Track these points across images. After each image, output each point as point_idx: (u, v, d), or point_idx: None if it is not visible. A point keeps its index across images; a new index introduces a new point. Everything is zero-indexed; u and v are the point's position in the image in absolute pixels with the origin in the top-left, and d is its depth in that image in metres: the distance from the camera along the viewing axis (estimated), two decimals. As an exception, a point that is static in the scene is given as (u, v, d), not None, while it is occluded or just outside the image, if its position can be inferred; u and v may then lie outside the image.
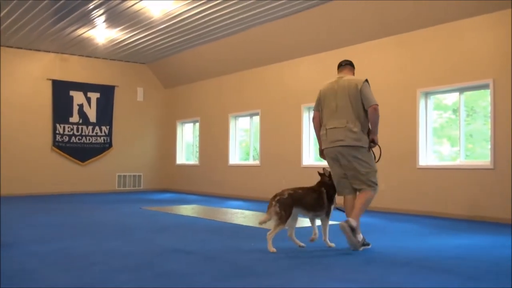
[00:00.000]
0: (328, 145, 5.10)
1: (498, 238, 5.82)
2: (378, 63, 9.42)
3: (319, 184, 5.06)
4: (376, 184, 5.03)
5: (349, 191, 5.08)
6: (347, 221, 4.77)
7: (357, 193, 5.06)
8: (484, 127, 8.13)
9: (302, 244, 5.02)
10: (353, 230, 4.77)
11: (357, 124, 4.98)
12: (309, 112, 10.85)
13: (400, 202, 8.84)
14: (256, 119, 12.43)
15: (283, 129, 11.33)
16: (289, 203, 4.73)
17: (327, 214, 4.98)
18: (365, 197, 4.95)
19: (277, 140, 11.45)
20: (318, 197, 4.91)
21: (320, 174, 5.17)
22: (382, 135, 9.14)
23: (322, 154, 5.28)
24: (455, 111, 8.55)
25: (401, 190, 8.83)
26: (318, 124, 5.27)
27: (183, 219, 7.75)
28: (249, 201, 11.27)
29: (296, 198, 4.78)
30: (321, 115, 5.24)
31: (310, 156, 10.84)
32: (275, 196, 4.79)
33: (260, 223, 4.80)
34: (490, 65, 7.74)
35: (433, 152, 8.74)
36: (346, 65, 5.40)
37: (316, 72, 10.60)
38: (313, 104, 10.54)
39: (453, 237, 5.87)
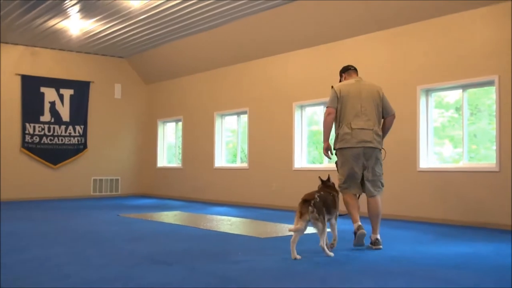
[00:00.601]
0: (354, 145, 5.64)
1: (503, 245, 5.89)
2: (372, 58, 9.49)
3: (328, 187, 5.37)
4: (383, 186, 5.82)
5: (357, 192, 5.77)
6: (377, 241, 5.57)
7: (369, 197, 5.73)
8: (488, 126, 8.20)
9: (298, 256, 4.96)
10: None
11: (380, 128, 5.79)
12: (301, 110, 10.90)
13: (398, 208, 8.90)
14: (244, 118, 12.46)
15: (274, 129, 11.37)
16: (321, 206, 4.95)
17: (336, 218, 5.35)
18: (380, 204, 5.74)
19: (266, 141, 11.48)
20: (333, 200, 5.23)
21: (323, 180, 5.45)
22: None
23: (327, 151, 5.79)
24: (458, 109, 8.63)
25: (399, 194, 8.89)
26: (333, 121, 5.76)
27: (164, 226, 7.74)
28: (236, 207, 11.28)
29: (323, 201, 5.02)
30: (338, 114, 5.75)
31: (303, 158, 10.89)
32: (307, 200, 4.92)
33: (292, 230, 4.92)
34: (495, 60, 7.80)
35: (434, 154, 8.82)
36: (354, 69, 6.16)
37: (307, 67, 10.65)
38: (305, 102, 10.70)
39: (455, 245, 5.93)
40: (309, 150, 11.10)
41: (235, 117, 12.82)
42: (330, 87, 6.05)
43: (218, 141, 12.99)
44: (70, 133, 13.98)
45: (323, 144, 5.85)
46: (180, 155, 14.40)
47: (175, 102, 14.54)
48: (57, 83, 13.85)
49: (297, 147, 10.88)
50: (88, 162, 14.30)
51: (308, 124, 11.10)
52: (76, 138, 14.07)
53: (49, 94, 13.74)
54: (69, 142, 13.96)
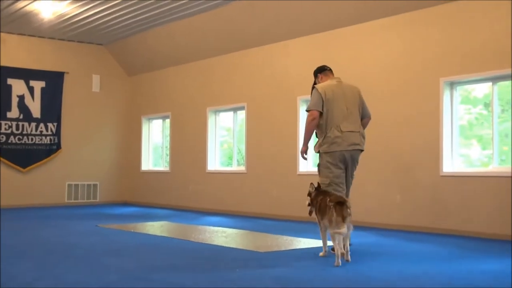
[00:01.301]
0: (346, 148, 6.30)
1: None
2: (387, 47, 9.48)
3: (324, 193, 5.96)
4: None
5: (344, 192, 6.32)
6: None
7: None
8: (522, 125, 8.19)
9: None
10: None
11: (363, 130, 6.53)
12: (307, 106, 10.85)
13: (417, 218, 8.88)
14: (241, 114, 12.43)
15: (275, 127, 11.35)
16: None
17: None
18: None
19: (267, 141, 11.47)
20: None
21: (316, 187, 6.10)
22: (396, 135, 9.23)
23: (305, 153, 6.51)
24: (487, 105, 8.61)
25: (419, 203, 8.86)
26: (316, 126, 6.39)
27: (149, 239, 7.72)
28: (232, 217, 11.26)
29: None
30: (325, 116, 6.32)
31: (309, 161, 10.83)
32: (343, 203, 5.51)
33: (339, 233, 5.42)
34: (529, 49, 7.80)
35: (459, 156, 8.80)
36: (330, 70, 6.80)
37: (313, 57, 10.59)
38: (307, 97, 10.63)
39: (482, 261, 5.91)
40: (314, 154, 11.01)
41: (231, 113, 12.80)
42: (312, 88, 6.61)
43: (211, 141, 12.98)
44: (41, 131, 13.95)
45: (302, 147, 6.52)
46: (168, 157, 14.38)
47: (162, 96, 14.52)
48: (27, 74, 13.82)
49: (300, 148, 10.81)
50: (62, 165, 14.27)
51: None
52: (48, 137, 14.04)
53: (17, 86, 13.71)
54: (40, 142, 13.93)
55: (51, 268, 5.37)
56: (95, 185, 14.83)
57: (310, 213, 6.13)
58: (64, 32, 13.58)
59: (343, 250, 5.56)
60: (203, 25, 12.03)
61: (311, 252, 6.26)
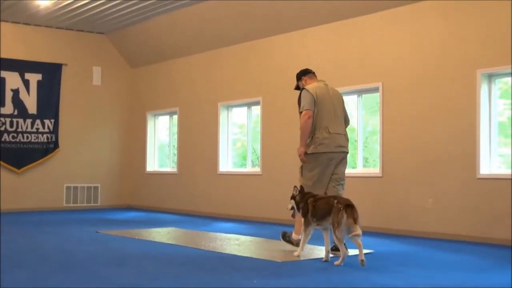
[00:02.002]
0: (333, 150, 7.03)
1: None
2: (416, 35, 9.42)
3: (310, 196, 6.67)
4: None
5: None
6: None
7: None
8: None
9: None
10: None
11: (347, 133, 7.33)
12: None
13: (450, 224, 8.82)
14: (256, 110, 12.39)
15: (294, 124, 11.27)
16: None
17: None
18: None
19: (285, 140, 11.41)
20: None
21: (300, 190, 6.83)
22: (427, 133, 9.13)
23: (304, 155, 7.04)
24: (530, 99, 8.52)
25: (452, 208, 8.80)
26: (311, 125, 7.04)
27: (154, 247, 7.70)
28: (246, 223, 11.22)
29: None
30: (314, 117, 7.03)
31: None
32: (352, 205, 6.11)
33: (358, 235, 5.98)
34: None
35: (498, 156, 8.71)
36: (314, 73, 7.55)
37: (335, 46, 10.60)
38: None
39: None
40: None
41: (244, 109, 12.77)
42: (301, 89, 7.29)
43: (223, 140, 12.95)
44: (37, 128, 14.00)
45: (300, 149, 7.08)
46: (175, 157, 14.37)
47: (168, 90, 14.52)
48: (22, 67, 13.87)
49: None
50: (60, 166, 14.31)
51: (337, 118, 11.00)
52: (45, 135, 14.08)
53: (12, 80, 13.75)
54: (36, 140, 13.98)
55: (46, 278, 5.35)
56: (95, 188, 14.85)
57: (293, 216, 6.94)
58: (62, 20, 13.61)
59: (346, 251, 6.20)
60: (214, 12, 12.01)
61: (332, 262, 6.19)
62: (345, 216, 5.97)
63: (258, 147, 12.22)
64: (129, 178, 15.41)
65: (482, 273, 5.91)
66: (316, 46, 10.99)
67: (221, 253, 7.13)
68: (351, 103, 10.91)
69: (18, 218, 11.86)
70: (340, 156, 7.10)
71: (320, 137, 6.98)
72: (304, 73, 7.58)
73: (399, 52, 9.68)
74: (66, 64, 14.46)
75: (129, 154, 15.47)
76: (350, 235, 5.97)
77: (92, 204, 14.77)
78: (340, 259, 6.07)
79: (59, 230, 9.77)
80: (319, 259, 6.51)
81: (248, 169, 12.52)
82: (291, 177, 11.17)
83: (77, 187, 14.59)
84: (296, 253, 6.66)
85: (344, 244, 6.18)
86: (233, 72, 12.68)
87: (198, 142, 13.51)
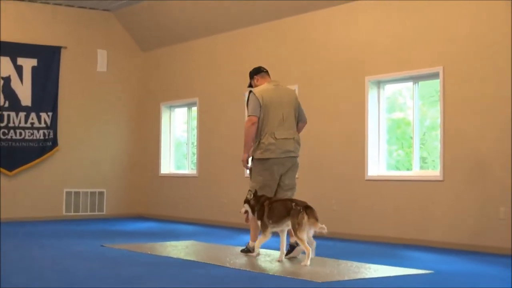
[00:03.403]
0: (279, 155, 8.04)
1: None
2: (483, 9, 9.29)
3: (270, 197, 7.95)
4: None
5: None
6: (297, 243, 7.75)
7: None
8: None
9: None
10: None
11: (298, 135, 8.34)
12: (377, 89, 10.83)
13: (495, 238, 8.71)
14: (291, 100, 12.32)
15: (336, 117, 11.24)
16: None
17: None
18: None
19: (325, 136, 11.36)
20: None
21: (255, 194, 7.95)
22: (496, 128, 8.98)
23: (247, 162, 8.27)
24: None
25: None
26: (255, 131, 8.09)
27: (170, 264, 7.69)
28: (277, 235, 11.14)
29: None
30: (260, 122, 8.06)
31: (381, 162, 10.80)
32: (309, 206, 7.41)
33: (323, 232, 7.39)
34: None
35: None
36: (267, 72, 8.60)
37: (386, 23, 10.55)
38: (384, 77, 10.59)
39: None
40: (390, 150, 10.99)
41: (277, 99, 12.71)
42: (249, 92, 8.28)
43: (251, 136, 12.88)
44: (32, 123, 14.08)
45: (243, 155, 8.25)
46: (195, 156, 14.39)
47: (186, 77, 14.55)
48: (13, 50, 13.95)
49: (371, 144, 10.79)
50: (59, 167, 14.39)
51: (389, 110, 11.01)
52: (41, 132, 14.17)
53: (1, 65, 13.84)
54: (31, 137, 14.07)
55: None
56: (100, 193, 14.91)
57: (247, 220, 8.13)
58: (61, -5, 13.68)
59: (309, 248, 7.34)
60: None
61: (384, 283, 6.12)
62: (305, 217, 7.26)
63: (293, 144, 12.13)
64: (140, 182, 15.45)
65: None
66: (365, 23, 10.93)
67: (250, 271, 7.09)
68: (404, 91, 10.84)
69: (8, 229, 11.87)
70: (289, 162, 8.12)
71: (266, 143, 8.02)
72: (256, 72, 8.60)
73: (464, 29, 9.57)
74: (65, 47, 14.52)
75: (140, 154, 15.50)
76: (317, 231, 7.34)
77: (96, 213, 14.82)
78: (306, 259, 7.32)
79: (56, 243, 9.80)
80: (367, 279, 6.44)
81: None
82: (334, 180, 11.13)
83: (78, 192, 14.65)
84: (278, 258, 7.75)
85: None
86: (263, 55, 12.61)
87: (221, 139, 13.47)
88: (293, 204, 7.43)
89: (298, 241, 7.34)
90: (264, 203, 7.74)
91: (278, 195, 8.09)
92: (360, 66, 10.90)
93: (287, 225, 7.52)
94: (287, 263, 7.82)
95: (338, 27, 11.33)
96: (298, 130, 8.44)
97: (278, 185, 8.16)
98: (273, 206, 7.64)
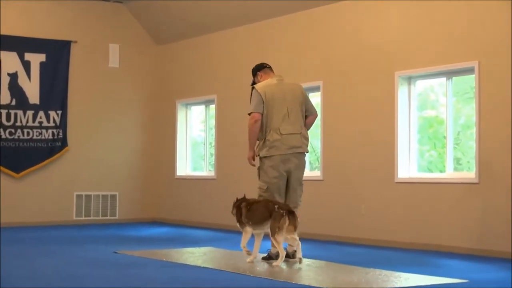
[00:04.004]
0: (285, 151, 8.22)
1: None
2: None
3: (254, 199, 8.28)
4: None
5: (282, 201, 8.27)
6: (295, 252, 8.10)
7: (292, 207, 8.13)
8: None
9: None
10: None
11: (306, 131, 8.53)
12: (408, 85, 10.81)
13: None
14: (315, 97, 12.31)
15: (360, 116, 11.21)
16: None
17: None
18: (298, 218, 7.97)
19: (350, 134, 11.36)
20: None
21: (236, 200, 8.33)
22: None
23: (253, 159, 8.52)
24: None
25: None
26: (259, 128, 8.32)
27: (187, 272, 7.71)
28: (305, 241, 11.13)
29: None
30: (264, 118, 8.29)
31: (411, 162, 10.80)
32: (292, 212, 7.79)
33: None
34: None
35: None
36: (270, 67, 8.79)
37: (416, 17, 10.54)
38: (415, 72, 10.55)
39: None
40: (421, 150, 10.96)
41: (300, 96, 12.71)
42: (251, 88, 8.54)
43: (273, 136, 12.90)
44: (40, 122, 14.14)
45: (248, 153, 8.51)
46: (213, 157, 14.42)
47: (204, 72, 14.57)
48: (21, 45, 14.01)
49: (402, 144, 10.76)
50: (69, 169, 14.44)
51: (420, 107, 10.98)
52: (50, 131, 14.23)
53: (8, 61, 13.90)
54: (39, 137, 14.13)
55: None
56: (113, 197, 14.97)
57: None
58: (70, -15, 13.76)
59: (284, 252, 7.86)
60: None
61: None
62: (287, 222, 7.62)
63: (319, 144, 12.19)
64: (155, 185, 15.50)
65: None
66: (395, 15, 10.91)
67: (274, 280, 7.08)
68: (437, 87, 10.80)
69: (15, 235, 11.93)
70: (296, 158, 8.32)
71: (271, 140, 8.25)
72: (259, 68, 8.81)
73: (501, 22, 9.53)
74: (75, 42, 14.59)
75: (154, 155, 15.56)
76: (289, 241, 7.88)
77: (108, 218, 14.87)
78: (279, 260, 7.83)
79: (66, 250, 9.83)
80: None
81: (311, 172, 12.40)
82: (361, 182, 11.13)
83: (90, 196, 14.71)
84: (249, 259, 8.14)
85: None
86: (287, 49, 12.64)
87: (241, 138, 13.45)
88: (276, 206, 7.74)
89: (275, 243, 7.76)
90: (241, 205, 8.15)
91: (287, 194, 8.40)
92: (390, 60, 10.88)
93: (267, 227, 7.82)
94: (311, 271, 7.85)
95: (365, 18, 11.32)
96: (308, 124, 8.66)
97: (287, 182, 8.36)
98: (253, 208, 7.99)
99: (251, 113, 8.35)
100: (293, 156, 8.28)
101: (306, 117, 8.57)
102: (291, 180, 8.36)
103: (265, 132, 8.31)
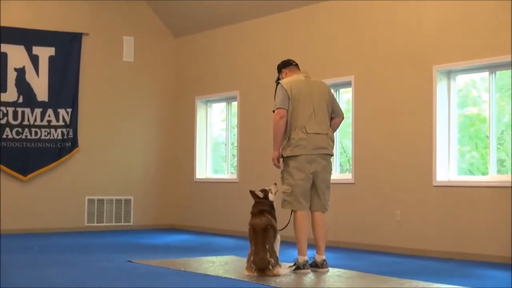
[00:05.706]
0: (310, 152, 8.25)
1: None
2: None
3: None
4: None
5: (305, 206, 8.39)
6: (325, 262, 8.52)
7: (317, 212, 8.54)
8: None
9: None
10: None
11: (332, 132, 8.57)
12: (447, 80, 10.78)
13: None
14: (346, 94, 12.41)
15: (397, 112, 11.18)
16: None
17: None
18: (326, 225, 8.66)
19: (383, 134, 11.34)
20: None
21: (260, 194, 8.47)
22: None
23: (278, 160, 8.47)
24: None
25: None
26: (285, 125, 8.33)
27: (208, 282, 7.74)
28: (333, 250, 11.12)
29: None
30: (289, 115, 8.31)
31: (451, 164, 10.76)
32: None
33: None
34: None
35: None
36: (296, 65, 8.87)
37: (453, 9, 10.50)
38: (454, 66, 10.50)
39: None
40: (462, 151, 10.95)
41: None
42: (276, 84, 8.67)
43: (300, 135, 12.91)
44: (49, 121, 14.19)
45: (273, 153, 8.47)
46: (235, 159, 14.44)
47: (226, 67, 14.60)
48: (28, 37, 14.06)
49: (440, 144, 10.72)
50: (80, 171, 14.50)
51: (460, 104, 10.96)
52: (59, 130, 14.28)
53: (15, 55, 13.96)
54: (47, 137, 14.18)
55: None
56: (127, 201, 15.02)
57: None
58: (81, -26, 13.83)
59: None
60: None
61: None
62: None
63: (349, 145, 12.18)
64: (172, 189, 15.54)
65: None
66: (434, 4, 10.86)
67: (299, 291, 7.06)
68: (479, 83, 10.75)
69: (22, 243, 12.00)
70: (322, 160, 8.35)
71: (296, 138, 8.25)
72: (285, 65, 8.92)
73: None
74: (87, 34, 14.64)
75: (172, 156, 15.60)
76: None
77: (122, 224, 14.93)
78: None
79: (77, 259, 9.84)
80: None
81: (338, 174, 12.43)
82: (396, 187, 11.11)
83: (102, 200, 14.76)
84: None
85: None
86: (317, 41, 12.63)
87: (265, 138, 13.47)
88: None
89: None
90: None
91: (314, 198, 8.45)
92: (427, 53, 10.86)
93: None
94: (341, 282, 7.84)
95: (400, 7, 11.30)
96: (334, 126, 8.70)
97: (313, 185, 8.37)
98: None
99: (276, 109, 8.35)
100: (319, 157, 8.30)
101: (332, 118, 8.60)
102: (317, 182, 8.37)
103: (290, 130, 8.32)
